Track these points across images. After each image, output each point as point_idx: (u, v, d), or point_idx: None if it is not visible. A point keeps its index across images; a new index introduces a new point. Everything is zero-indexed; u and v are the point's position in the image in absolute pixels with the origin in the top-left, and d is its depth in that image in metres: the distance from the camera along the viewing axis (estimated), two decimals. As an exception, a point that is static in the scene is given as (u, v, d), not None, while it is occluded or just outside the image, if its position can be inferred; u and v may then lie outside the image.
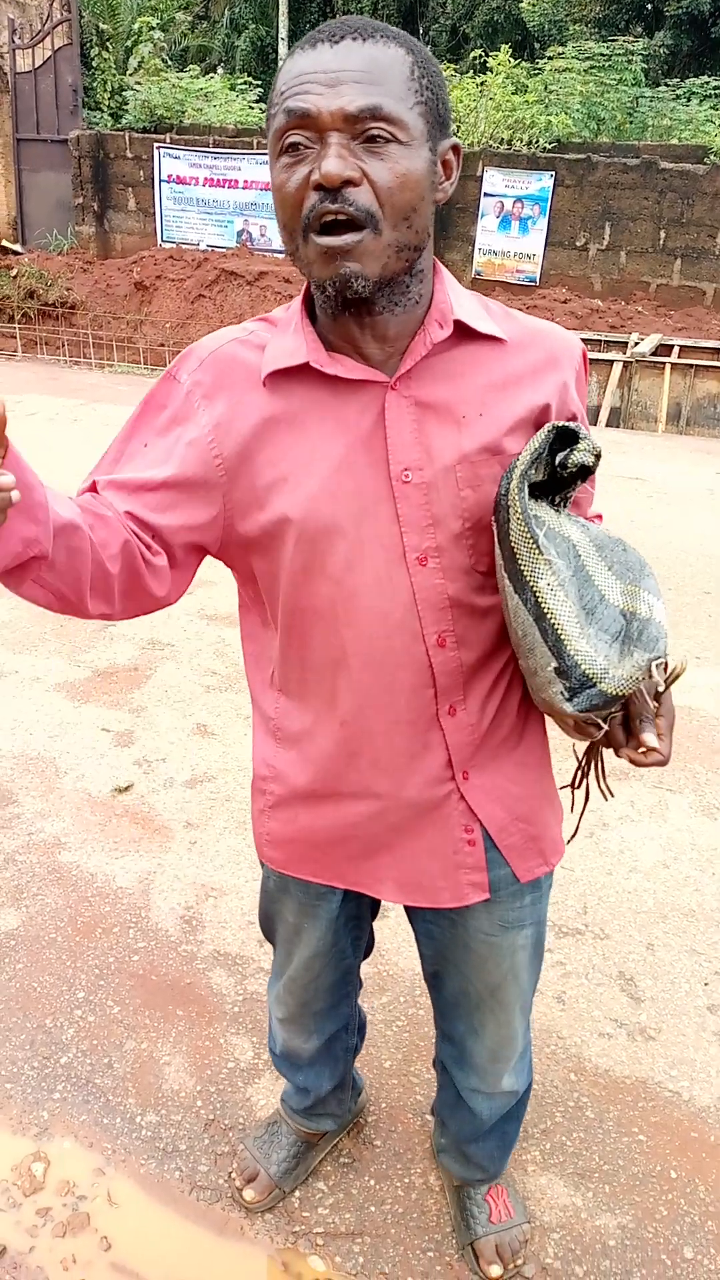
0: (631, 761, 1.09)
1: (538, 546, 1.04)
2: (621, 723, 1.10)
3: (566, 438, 1.10)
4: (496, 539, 1.10)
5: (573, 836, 1.41)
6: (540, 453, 1.07)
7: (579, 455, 1.08)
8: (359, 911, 1.49)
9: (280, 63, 1.12)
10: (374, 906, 1.54)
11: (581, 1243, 1.74)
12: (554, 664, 1.04)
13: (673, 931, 2.45)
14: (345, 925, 1.48)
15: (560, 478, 1.12)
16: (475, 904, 1.33)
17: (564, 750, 1.47)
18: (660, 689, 1.08)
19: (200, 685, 3.65)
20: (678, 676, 1.07)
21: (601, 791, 1.27)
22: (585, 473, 1.11)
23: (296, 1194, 1.81)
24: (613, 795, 1.29)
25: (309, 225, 1.00)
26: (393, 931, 2.33)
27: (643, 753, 1.08)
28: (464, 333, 1.12)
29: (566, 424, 1.09)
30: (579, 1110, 1.98)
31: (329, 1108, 1.76)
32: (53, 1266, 1.68)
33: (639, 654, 1.04)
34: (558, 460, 1.10)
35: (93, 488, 1.17)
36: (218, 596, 4.26)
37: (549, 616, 1.04)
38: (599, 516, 1.38)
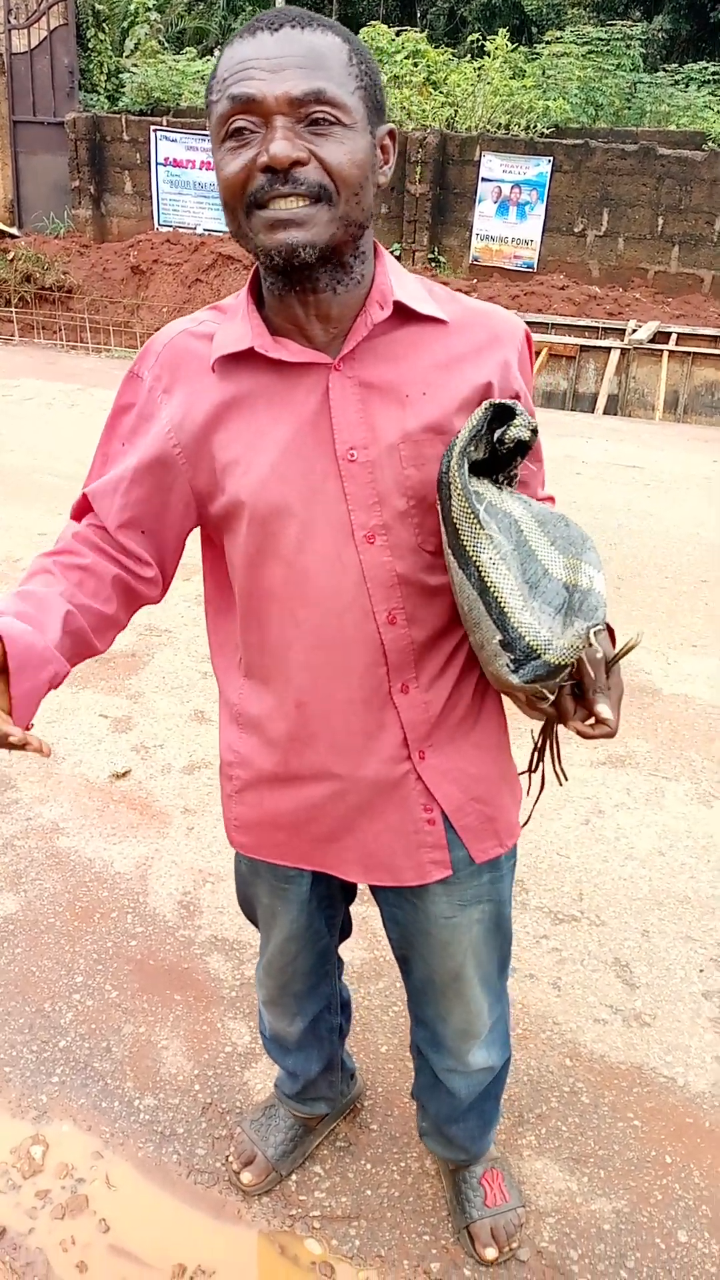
0: (579, 734, 1.10)
1: (479, 521, 1.06)
2: (572, 694, 1.11)
3: (504, 415, 1.10)
4: (440, 517, 1.11)
5: (526, 821, 1.42)
6: (478, 430, 1.08)
7: (515, 430, 1.09)
8: (330, 893, 1.50)
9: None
10: (347, 889, 1.55)
11: (576, 1226, 1.75)
12: (499, 637, 1.06)
13: (668, 918, 2.46)
14: (319, 907, 1.49)
15: (500, 455, 1.13)
16: (435, 888, 1.35)
17: (524, 736, 1.47)
18: (609, 661, 1.10)
19: (198, 671, 3.65)
20: (629, 650, 1.08)
21: (557, 775, 1.28)
22: (523, 448, 1.11)
23: (293, 1177, 1.82)
24: (567, 779, 1.31)
25: (256, 203, 1.02)
26: (389, 918, 2.33)
27: (591, 724, 1.09)
28: (406, 314, 1.14)
29: (504, 401, 1.10)
30: (574, 1095, 1.99)
31: (320, 1090, 1.77)
32: (52, 1248, 1.69)
33: (579, 623, 1.06)
34: (495, 436, 1.11)
35: (83, 500, 1.24)
36: (215, 583, 4.26)
37: (492, 590, 1.06)
38: (550, 499, 1.38)
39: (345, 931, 1.67)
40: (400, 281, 1.15)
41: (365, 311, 1.13)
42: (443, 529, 1.11)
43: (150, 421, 1.19)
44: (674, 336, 9.43)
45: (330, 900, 1.52)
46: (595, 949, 2.36)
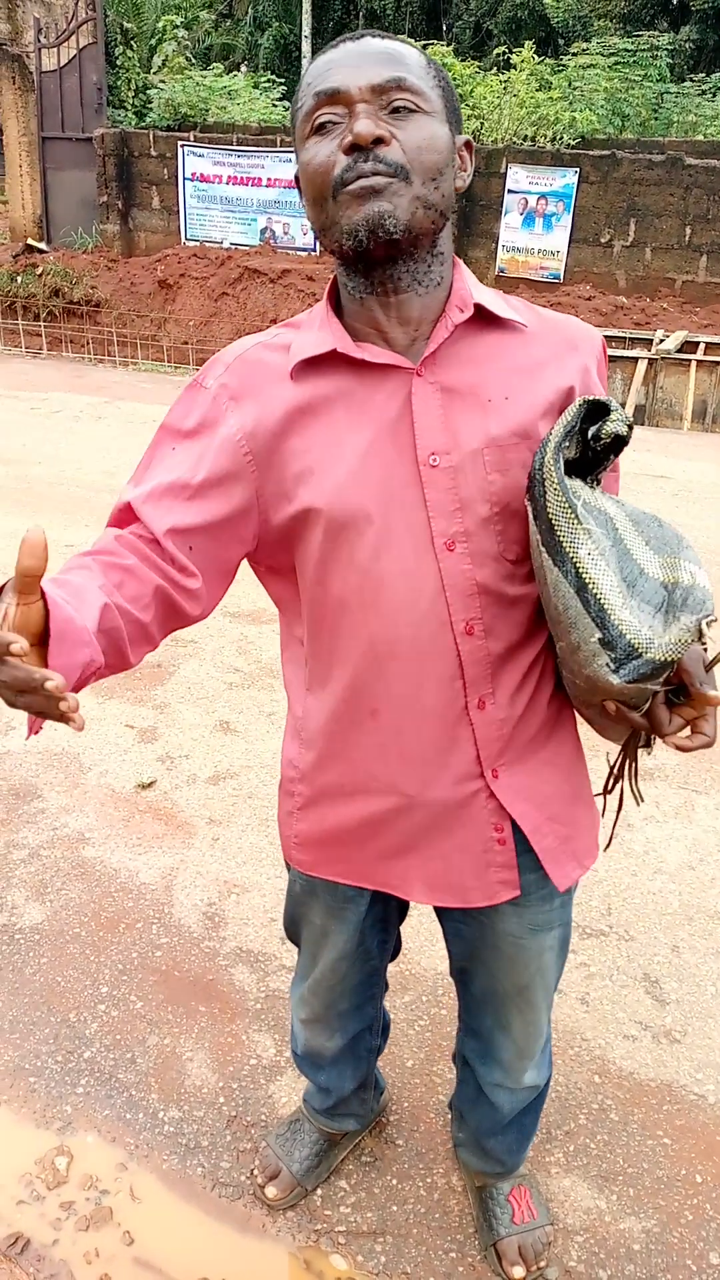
0: (677, 747, 1.07)
1: (576, 516, 1.04)
2: (666, 703, 1.07)
3: (597, 412, 1.09)
4: (532, 515, 1.09)
5: (608, 844, 1.39)
6: (573, 426, 1.07)
7: (612, 425, 1.08)
8: (386, 914, 1.48)
9: (305, 62, 1.16)
10: (402, 909, 1.53)
11: (605, 1246, 1.72)
12: (598, 635, 1.02)
13: (698, 934, 2.43)
14: (372, 927, 1.47)
15: (590, 456, 1.11)
16: (505, 907, 1.32)
17: (597, 757, 1.45)
18: (708, 664, 1.06)
19: (223, 682, 3.66)
20: None
21: (634, 795, 1.25)
22: (619, 444, 1.10)
23: (318, 1192, 1.80)
24: (643, 800, 1.27)
25: (341, 184, 1.04)
26: (416, 930, 2.32)
27: (688, 736, 1.06)
28: (486, 319, 1.14)
29: (598, 398, 1.09)
30: (603, 1113, 1.97)
31: (351, 1108, 1.76)
32: (76, 1260, 1.68)
33: (686, 617, 1.02)
34: (590, 433, 1.09)
35: (125, 509, 1.17)
36: (241, 594, 4.27)
37: (591, 587, 1.03)
38: None
39: (394, 952, 1.65)
40: (477, 288, 1.16)
41: (446, 314, 1.13)
42: (534, 527, 1.09)
43: (212, 428, 1.16)
44: (702, 346, 9.37)
45: (385, 923, 1.50)
46: (624, 964, 2.33)
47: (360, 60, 1.05)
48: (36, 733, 1.03)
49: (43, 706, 0.90)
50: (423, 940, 2.32)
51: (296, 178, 1.15)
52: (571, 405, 1.08)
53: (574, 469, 1.12)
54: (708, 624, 1.02)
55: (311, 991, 1.58)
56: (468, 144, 1.13)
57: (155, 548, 1.13)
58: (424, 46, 12.69)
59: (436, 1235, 1.74)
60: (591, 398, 1.08)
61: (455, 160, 1.10)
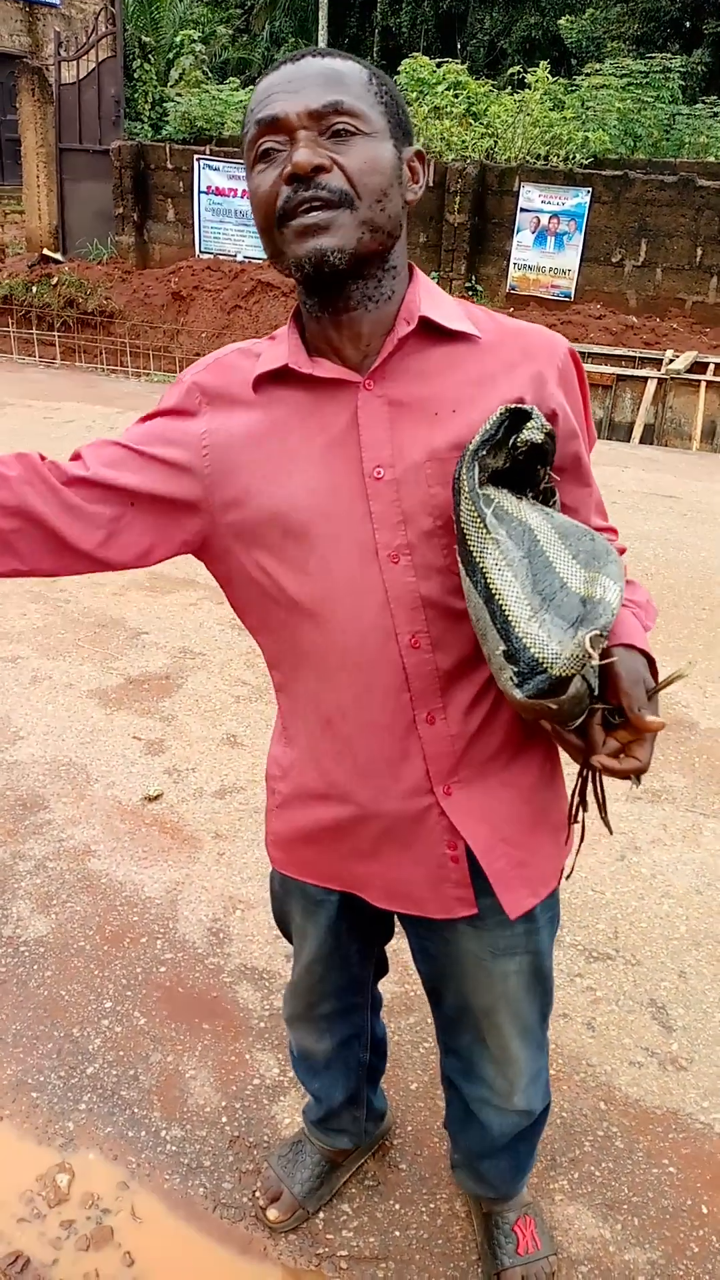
0: (605, 770, 1.04)
1: (485, 526, 1.02)
2: (604, 724, 1.05)
3: (521, 420, 1.07)
4: (455, 521, 1.08)
5: (569, 873, 1.36)
6: (492, 434, 1.05)
7: (527, 433, 1.06)
8: (362, 923, 1.47)
9: None
10: (384, 922, 1.52)
11: (610, 1277, 1.71)
12: (503, 647, 1.01)
13: (705, 959, 2.41)
14: (348, 932, 1.47)
15: (523, 465, 1.09)
16: (464, 927, 1.32)
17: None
18: (650, 690, 1.04)
19: (231, 695, 3.65)
20: (674, 680, 1.02)
21: (605, 823, 1.19)
22: (539, 454, 1.08)
23: (320, 1215, 1.79)
24: (612, 832, 1.24)
25: (285, 215, 1.05)
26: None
27: (620, 758, 1.03)
28: (437, 332, 1.14)
29: (520, 405, 1.07)
30: (608, 1140, 1.95)
31: (343, 1123, 1.74)
32: (76, 1281, 1.67)
33: (582, 630, 0.98)
34: (510, 441, 1.07)
35: (73, 455, 1.23)
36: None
37: (497, 598, 1.01)
38: (613, 531, 1.32)
39: (381, 969, 1.65)
40: (433, 300, 1.15)
41: (394, 328, 1.13)
42: (457, 539, 1.08)
43: (185, 421, 1.20)
44: (711, 367, 9.39)
45: (362, 930, 1.49)
46: (630, 989, 2.31)
47: (299, 84, 1.04)
48: None
49: None
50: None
51: None
52: (493, 414, 1.07)
53: (507, 479, 1.10)
54: (591, 642, 0.97)
55: (292, 990, 1.61)
56: (418, 154, 1.13)
57: (72, 481, 1.17)
58: (438, 65, 12.76)
59: (439, 1262, 1.73)
60: (513, 405, 1.07)
61: (403, 175, 1.10)
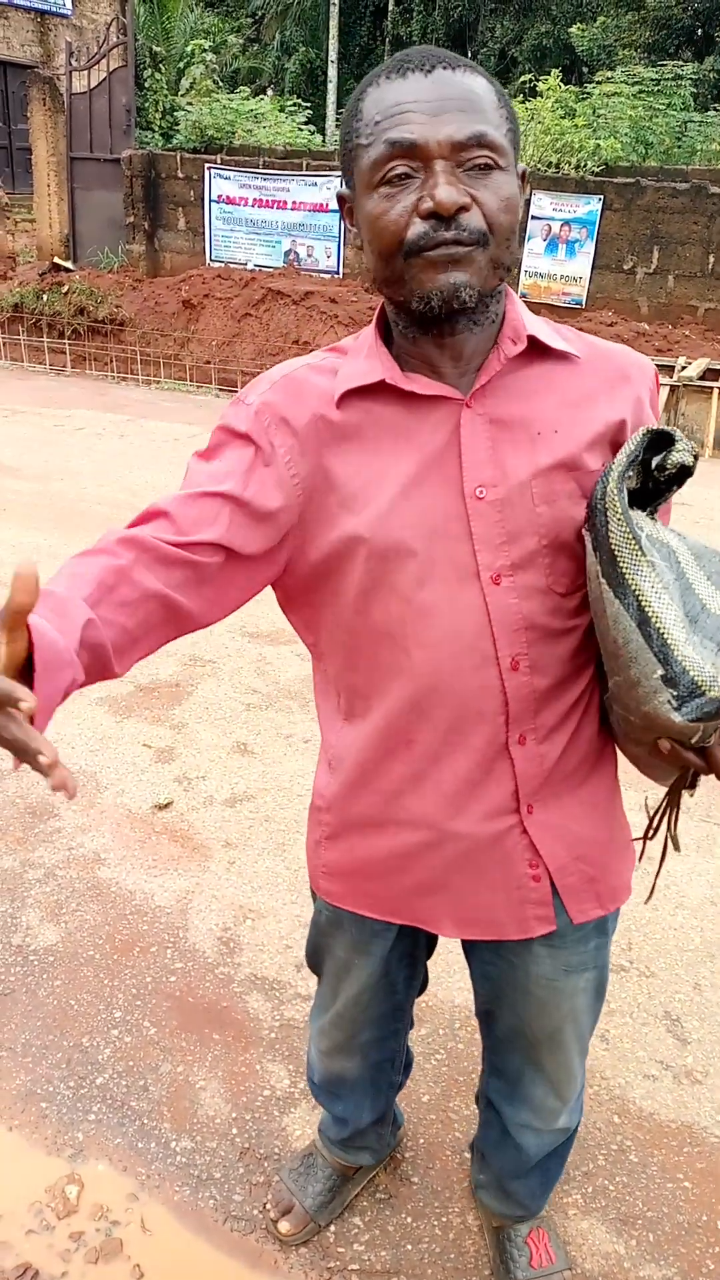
0: None
1: (640, 548, 1.01)
2: None
3: (661, 442, 1.07)
4: (591, 546, 1.06)
5: (650, 896, 1.37)
6: (636, 455, 1.05)
7: (678, 455, 1.05)
8: (413, 949, 1.46)
9: (352, 88, 1.08)
10: (430, 943, 1.51)
11: (625, 1293, 1.68)
12: (660, 671, 0.99)
13: (720, 970, 2.39)
14: (399, 961, 1.45)
15: (650, 488, 1.09)
16: (538, 948, 1.30)
17: (632, 805, 1.42)
18: None
19: (241, 703, 3.64)
20: None
21: (673, 841, 1.21)
22: (683, 475, 1.08)
23: (332, 1228, 1.77)
24: (679, 849, 1.24)
25: (418, 249, 1.00)
26: (434, 961, 2.28)
27: None
28: (537, 350, 1.12)
29: (663, 427, 1.07)
30: (622, 1154, 1.93)
31: (368, 1140, 1.73)
32: (85, 1294, 1.65)
33: None
34: (655, 463, 1.07)
35: (153, 510, 1.11)
36: (259, 614, 4.26)
37: (654, 621, 0.99)
38: None
39: (422, 987, 1.62)
40: (529, 318, 1.14)
41: (499, 347, 1.11)
42: (593, 558, 1.06)
43: (259, 450, 1.12)
44: (723, 374, 9.35)
45: (412, 957, 1.48)
46: (645, 1001, 2.29)
47: (438, 105, 0.98)
48: (17, 769, 0.99)
49: (31, 764, 0.88)
50: (440, 972, 2.29)
51: (341, 199, 1.11)
52: (635, 434, 1.06)
53: (635, 500, 1.10)
54: None
55: (333, 1024, 1.56)
56: (524, 174, 1.09)
57: (172, 550, 1.06)
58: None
59: (451, 1276, 1.71)
60: (655, 427, 1.06)
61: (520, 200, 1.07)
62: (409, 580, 1.11)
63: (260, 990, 2.29)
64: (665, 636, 0.99)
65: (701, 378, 9.30)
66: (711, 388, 9.13)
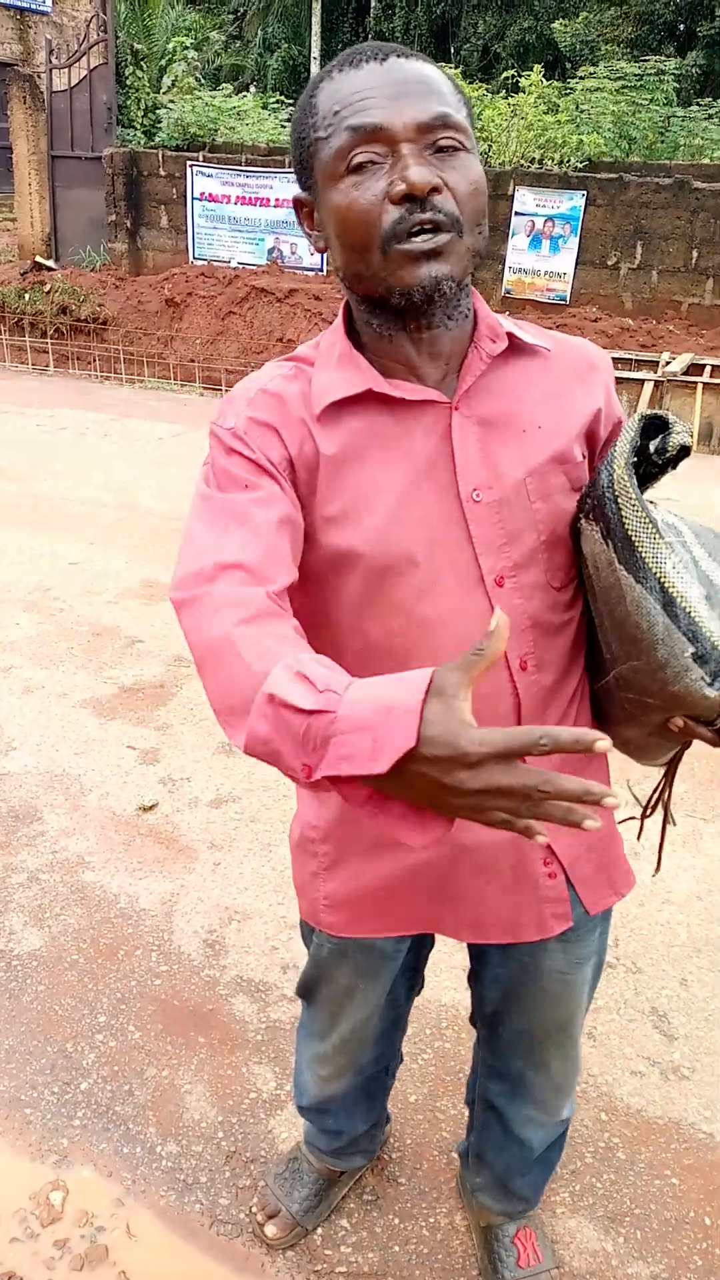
0: None
1: (657, 530, 1.01)
2: None
3: (656, 426, 1.07)
4: (601, 534, 1.05)
5: (657, 869, 1.38)
6: (636, 441, 1.05)
7: (678, 437, 1.05)
8: (416, 961, 1.45)
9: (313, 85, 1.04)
10: (429, 950, 1.50)
11: (613, 1291, 1.68)
12: (691, 650, 0.98)
13: (707, 966, 2.38)
14: (402, 975, 1.44)
15: (645, 473, 1.09)
16: (551, 944, 1.29)
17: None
18: None
19: (226, 703, 3.62)
20: None
21: (670, 818, 1.23)
22: (682, 455, 1.08)
23: (319, 1231, 1.76)
24: (676, 824, 1.25)
25: (394, 237, 0.97)
26: (419, 960, 2.28)
27: None
28: (512, 347, 1.12)
29: (658, 412, 1.07)
30: (610, 1151, 1.93)
31: (360, 1145, 1.73)
32: (70, 1302, 1.64)
33: None
34: (653, 447, 1.07)
35: (237, 569, 0.96)
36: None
37: (679, 600, 0.99)
38: None
39: (419, 989, 1.60)
40: (496, 316, 1.13)
41: (477, 346, 1.09)
42: (604, 546, 1.05)
43: (255, 464, 1.05)
44: (708, 369, 9.38)
45: (414, 970, 1.47)
46: (632, 997, 2.29)
47: (398, 90, 0.96)
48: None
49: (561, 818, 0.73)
50: (426, 971, 2.28)
51: (297, 203, 1.08)
52: (631, 420, 1.06)
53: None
54: None
55: (337, 1050, 1.53)
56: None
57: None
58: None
59: (439, 1277, 1.70)
60: (650, 412, 1.06)
61: None
62: (409, 593, 1.08)
63: (246, 992, 2.27)
64: (693, 615, 0.99)
65: (685, 373, 9.31)
66: (695, 383, 9.14)
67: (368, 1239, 1.76)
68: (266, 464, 1.05)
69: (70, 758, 3.22)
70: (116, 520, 5.48)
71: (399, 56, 0.99)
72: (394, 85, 0.96)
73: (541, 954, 1.31)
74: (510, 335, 1.10)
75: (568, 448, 1.11)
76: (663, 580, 1.00)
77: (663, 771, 1.28)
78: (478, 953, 1.40)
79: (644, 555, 1.01)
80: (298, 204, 1.09)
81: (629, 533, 1.02)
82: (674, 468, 1.10)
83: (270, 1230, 1.73)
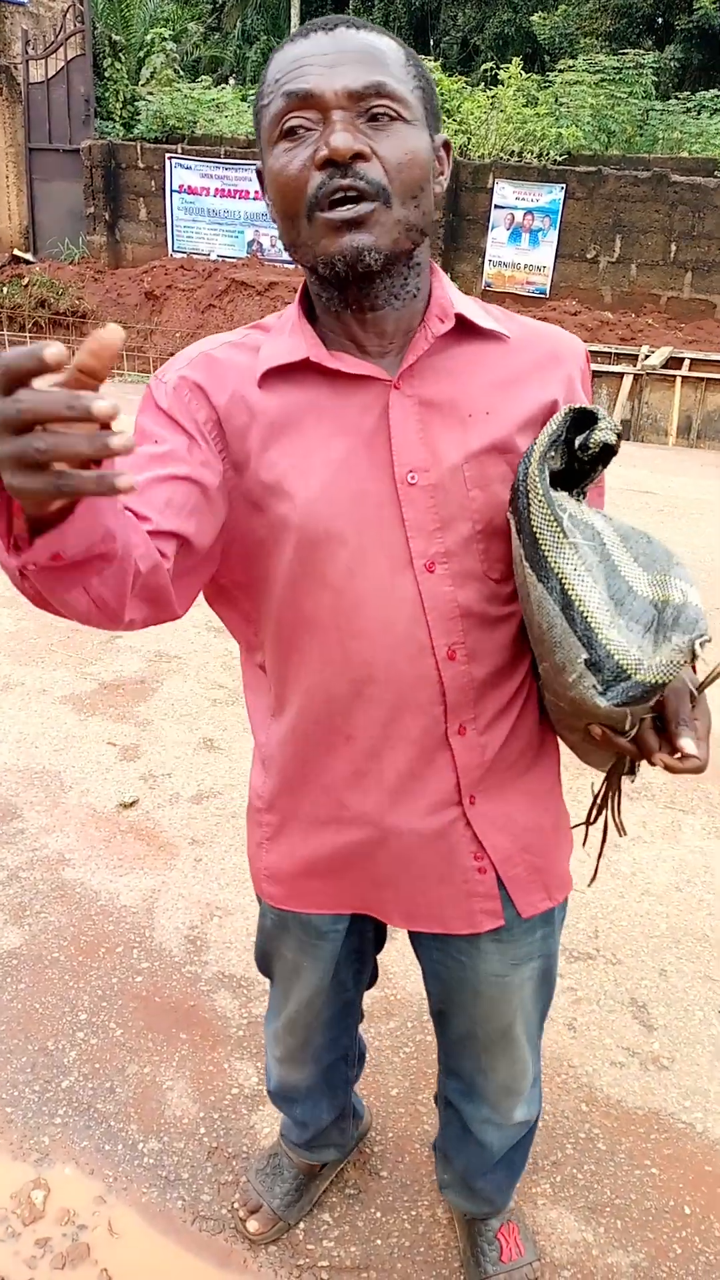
0: (667, 768, 1.00)
1: (562, 530, 0.99)
2: (654, 726, 1.02)
3: (584, 421, 1.04)
4: (515, 529, 1.04)
5: (593, 878, 1.37)
6: (559, 435, 1.02)
7: (600, 434, 1.02)
8: (361, 945, 1.44)
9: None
10: (379, 938, 1.50)
11: (593, 1281, 1.69)
12: (585, 655, 0.96)
13: (686, 957, 2.40)
14: (347, 959, 1.43)
15: (576, 468, 1.07)
16: (487, 944, 1.28)
17: (576, 791, 1.42)
18: (697, 687, 1.02)
19: (207, 699, 3.62)
20: (714, 679, 1.01)
21: (616, 827, 1.20)
22: (607, 454, 1.05)
23: (301, 1225, 1.77)
24: (625, 833, 1.23)
25: (316, 204, 0.96)
26: (400, 955, 2.28)
27: (679, 758, 0.99)
28: (466, 330, 1.09)
29: (585, 405, 1.04)
30: (590, 1142, 1.94)
31: (330, 1138, 1.72)
32: (51, 1300, 1.64)
33: (677, 636, 0.96)
34: (578, 442, 1.04)
35: None
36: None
37: (577, 604, 0.97)
38: None
39: (371, 981, 1.60)
40: (456, 296, 1.11)
41: (425, 325, 1.07)
42: (517, 542, 1.04)
43: (179, 421, 1.06)
44: (687, 362, 9.42)
45: (360, 954, 1.46)
46: (611, 988, 2.30)
47: (337, 58, 0.95)
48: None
49: (78, 478, 0.64)
50: (407, 964, 2.29)
51: (259, 174, 1.08)
52: (557, 414, 1.03)
53: (559, 481, 1.07)
54: (701, 644, 0.96)
55: (286, 1030, 1.53)
56: (445, 144, 1.06)
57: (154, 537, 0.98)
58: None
59: (421, 1270, 1.71)
60: (577, 405, 1.04)
61: (435, 167, 1.03)
62: (339, 569, 1.07)
63: (228, 988, 2.27)
64: (589, 620, 0.97)
65: (664, 366, 9.35)
66: (674, 376, 9.19)
67: (350, 1233, 1.76)
68: (187, 422, 1.05)
69: (50, 754, 3.20)
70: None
71: (348, 27, 0.98)
72: (334, 54, 0.96)
73: (476, 954, 1.29)
74: (459, 316, 1.07)
75: (510, 437, 1.07)
76: (563, 581, 0.98)
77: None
78: (417, 944, 1.38)
79: (546, 553, 0.99)
80: (259, 175, 1.08)
81: (534, 529, 1.00)
82: (604, 465, 1.07)
83: (252, 1225, 1.73)
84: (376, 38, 0.98)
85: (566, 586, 0.98)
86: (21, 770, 3.11)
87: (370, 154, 0.95)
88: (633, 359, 9.62)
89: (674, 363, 9.43)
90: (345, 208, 0.96)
